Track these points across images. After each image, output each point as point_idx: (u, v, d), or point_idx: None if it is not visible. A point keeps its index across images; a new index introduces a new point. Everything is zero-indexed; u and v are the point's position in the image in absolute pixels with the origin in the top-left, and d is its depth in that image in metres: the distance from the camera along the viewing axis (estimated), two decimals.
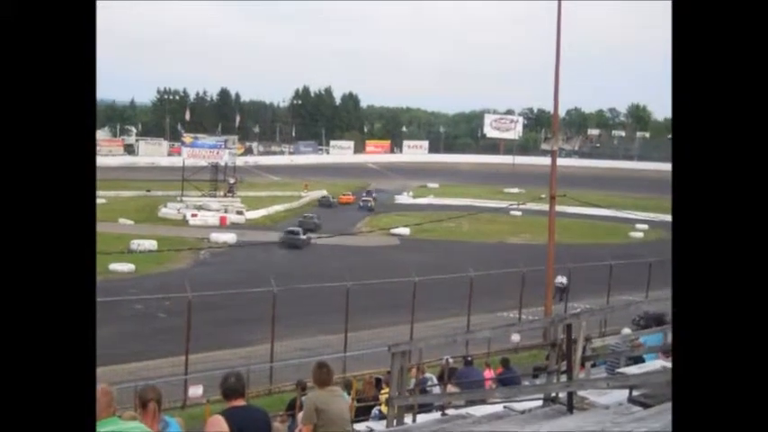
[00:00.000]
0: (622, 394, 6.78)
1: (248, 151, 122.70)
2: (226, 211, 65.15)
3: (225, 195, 70.55)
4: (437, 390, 13.33)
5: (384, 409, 11.52)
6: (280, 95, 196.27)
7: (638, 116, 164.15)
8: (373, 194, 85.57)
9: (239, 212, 66.12)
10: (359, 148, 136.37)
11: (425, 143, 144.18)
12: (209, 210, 64.78)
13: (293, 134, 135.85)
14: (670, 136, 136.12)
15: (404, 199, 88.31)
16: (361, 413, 13.34)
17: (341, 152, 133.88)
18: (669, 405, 5.51)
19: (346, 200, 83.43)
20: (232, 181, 72.01)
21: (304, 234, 52.32)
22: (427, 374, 14.28)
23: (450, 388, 12.99)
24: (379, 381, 15.10)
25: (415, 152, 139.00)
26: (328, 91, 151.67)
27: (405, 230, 56.60)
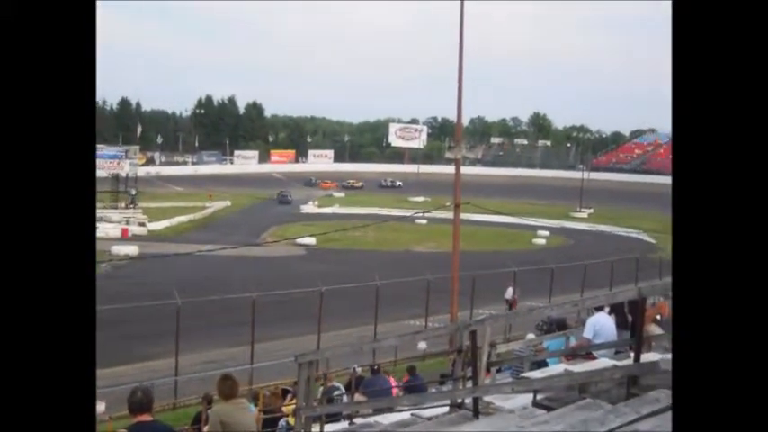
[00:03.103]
0: (527, 398, 6.86)
1: (150, 161, 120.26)
2: (127, 223, 63.82)
3: (126, 207, 69.17)
4: (345, 399, 13.27)
5: (291, 420, 11.42)
6: (182, 105, 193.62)
7: (540, 125, 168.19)
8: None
9: (141, 224, 64.84)
10: (263, 158, 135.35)
11: (331, 152, 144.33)
12: (110, 222, 63.12)
13: (196, 144, 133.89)
14: (569, 144, 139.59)
15: (309, 209, 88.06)
16: (268, 425, 13.21)
17: (245, 162, 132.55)
18: (571, 407, 5.61)
19: (327, 185, 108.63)
20: (133, 192, 70.71)
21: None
22: (334, 384, 14.22)
23: (358, 397, 12.96)
24: (286, 392, 14.98)
25: (321, 161, 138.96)
26: (232, 100, 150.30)
27: (310, 240, 56.31)
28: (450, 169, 31.44)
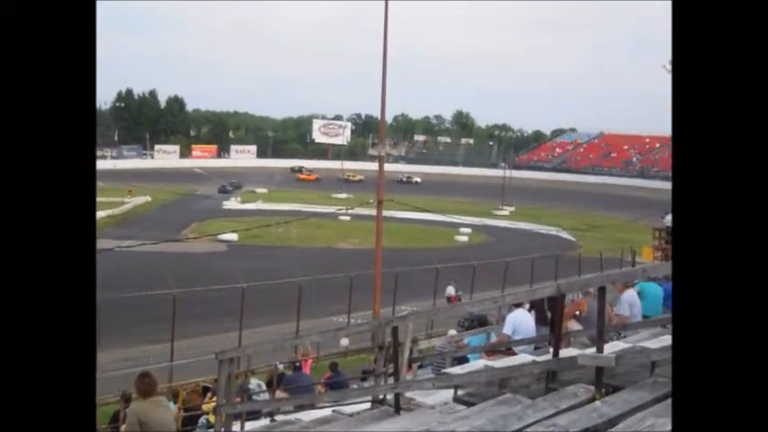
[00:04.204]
0: (448, 394, 6.90)
1: None
2: None
3: None
4: (266, 396, 13.18)
5: (211, 418, 11.28)
6: (101, 98, 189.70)
7: (463, 123, 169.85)
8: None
9: None
10: (185, 153, 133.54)
11: (253, 148, 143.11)
12: None
13: (116, 138, 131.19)
14: (492, 142, 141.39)
15: (232, 204, 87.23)
16: (188, 423, 13.03)
17: (166, 157, 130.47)
18: (491, 403, 5.65)
19: (306, 177, 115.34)
20: None
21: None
22: (254, 380, 14.10)
23: (279, 394, 12.88)
24: (206, 389, 14.80)
25: (243, 157, 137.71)
26: (153, 94, 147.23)
27: (232, 236, 55.74)
28: (374, 166, 31.47)
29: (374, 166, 31.51)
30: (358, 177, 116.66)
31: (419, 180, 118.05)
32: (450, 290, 32.77)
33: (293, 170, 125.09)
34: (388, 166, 32.92)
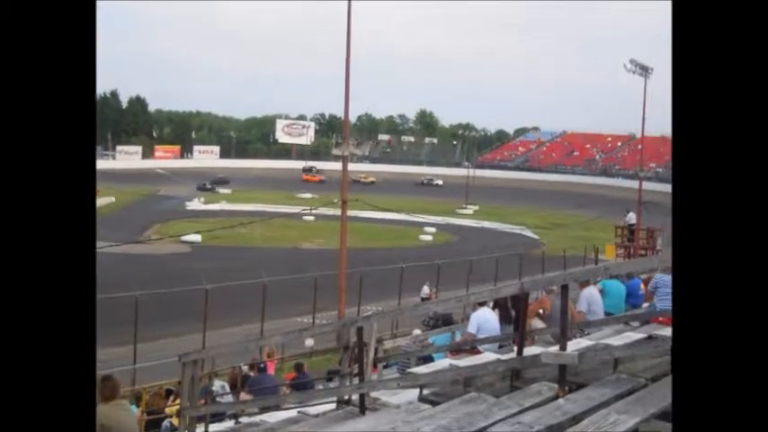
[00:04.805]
0: (413, 393, 6.91)
1: None
2: None
3: None
4: (230, 398, 13.10)
5: (175, 421, 11.20)
6: None
7: (426, 122, 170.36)
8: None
9: None
10: (147, 154, 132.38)
11: (217, 148, 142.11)
12: None
13: None
14: (455, 141, 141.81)
15: (195, 205, 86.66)
16: (151, 426, 12.94)
17: (128, 157, 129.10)
18: (456, 402, 5.67)
19: (310, 178, 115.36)
20: None
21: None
22: (218, 382, 14.02)
23: (244, 395, 12.82)
24: (169, 392, 14.69)
25: (207, 157, 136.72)
26: (114, 94, 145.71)
27: (196, 237, 55.27)
28: (338, 166, 31.43)
29: (338, 165, 31.44)
30: (370, 179, 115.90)
31: (374, 180, 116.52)
32: (426, 289, 32.95)
33: (305, 170, 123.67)
34: (352, 166, 32.89)
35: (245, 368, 14.94)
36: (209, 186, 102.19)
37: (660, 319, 9.26)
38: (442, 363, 8.59)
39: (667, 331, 7.75)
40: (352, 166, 34.00)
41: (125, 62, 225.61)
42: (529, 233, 70.93)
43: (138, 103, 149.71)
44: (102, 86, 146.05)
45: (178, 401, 11.12)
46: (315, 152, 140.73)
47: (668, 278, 9.73)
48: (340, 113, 44.54)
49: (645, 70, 47.88)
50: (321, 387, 13.18)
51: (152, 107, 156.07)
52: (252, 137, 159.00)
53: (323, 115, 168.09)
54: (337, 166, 34.77)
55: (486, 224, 78.28)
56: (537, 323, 10.10)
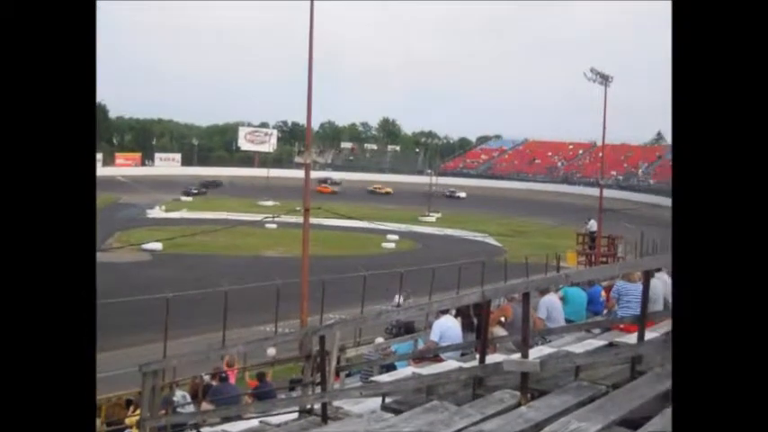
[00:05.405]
0: (376, 402, 6.90)
1: None
2: None
3: None
4: (191, 408, 12.98)
5: (134, 431, 11.08)
6: None
7: (389, 130, 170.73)
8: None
9: None
10: (108, 161, 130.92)
11: (178, 156, 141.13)
12: None
13: None
14: (418, 149, 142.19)
15: (156, 213, 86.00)
16: None
17: None
18: (419, 410, 5.66)
19: (323, 189, 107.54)
20: None
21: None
22: (179, 392, 13.89)
23: (205, 405, 12.70)
24: (129, 402, 14.52)
25: (168, 165, 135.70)
26: None
27: (157, 245, 54.72)
28: (300, 173, 31.31)
29: (300, 173, 31.34)
30: (386, 190, 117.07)
31: (390, 190, 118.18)
32: (397, 299, 32.89)
33: (320, 182, 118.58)
34: (314, 174, 32.79)
35: (207, 378, 14.82)
36: (196, 191, 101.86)
37: (621, 326, 9.34)
38: (405, 371, 8.58)
39: (628, 339, 7.82)
40: (314, 174, 33.88)
41: None
42: (491, 240, 71.26)
43: (99, 110, 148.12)
44: None
45: (138, 412, 11.01)
46: (277, 160, 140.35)
47: (630, 286, 9.83)
48: (302, 121, 44.55)
49: (605, 79, 48.39)
50: (283, 396, 13.10)
51: (113, 114, 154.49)
52: (214, 144, 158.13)
53: (285, 123, 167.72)
54: (299, 173, 34.66)
55: (449, 231, 78.52)
56: (499, 331, 10.14)
